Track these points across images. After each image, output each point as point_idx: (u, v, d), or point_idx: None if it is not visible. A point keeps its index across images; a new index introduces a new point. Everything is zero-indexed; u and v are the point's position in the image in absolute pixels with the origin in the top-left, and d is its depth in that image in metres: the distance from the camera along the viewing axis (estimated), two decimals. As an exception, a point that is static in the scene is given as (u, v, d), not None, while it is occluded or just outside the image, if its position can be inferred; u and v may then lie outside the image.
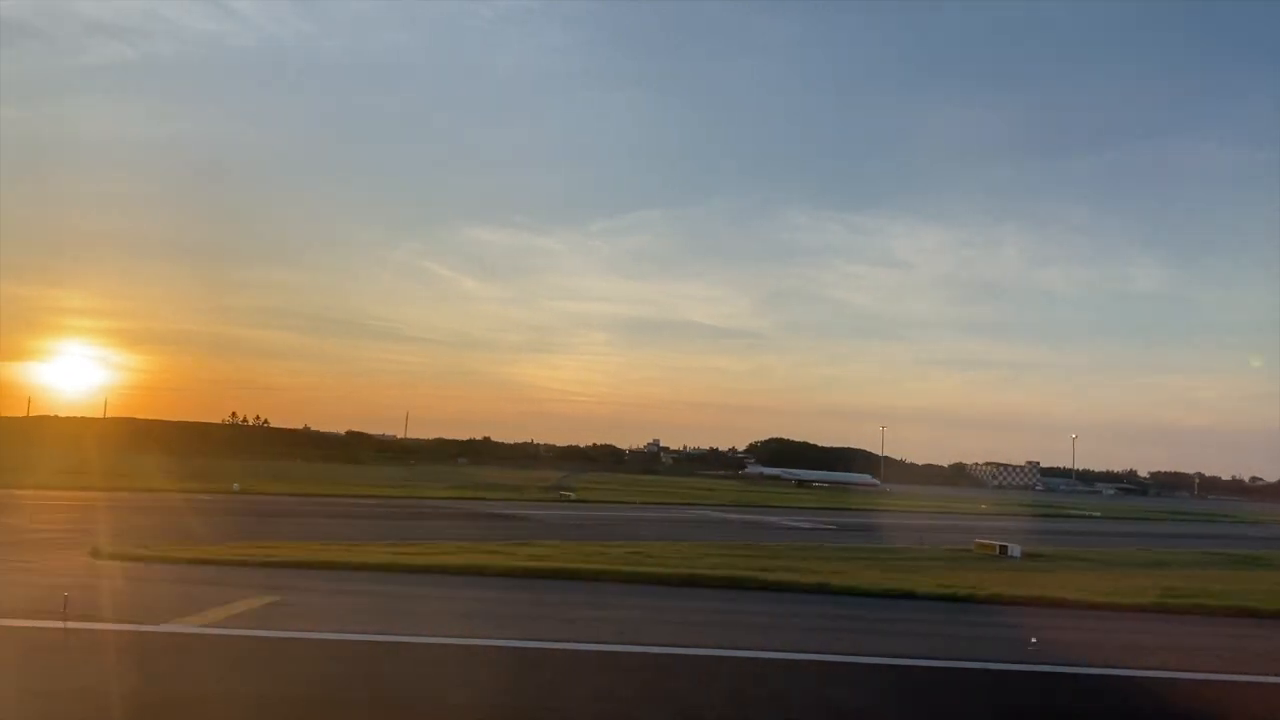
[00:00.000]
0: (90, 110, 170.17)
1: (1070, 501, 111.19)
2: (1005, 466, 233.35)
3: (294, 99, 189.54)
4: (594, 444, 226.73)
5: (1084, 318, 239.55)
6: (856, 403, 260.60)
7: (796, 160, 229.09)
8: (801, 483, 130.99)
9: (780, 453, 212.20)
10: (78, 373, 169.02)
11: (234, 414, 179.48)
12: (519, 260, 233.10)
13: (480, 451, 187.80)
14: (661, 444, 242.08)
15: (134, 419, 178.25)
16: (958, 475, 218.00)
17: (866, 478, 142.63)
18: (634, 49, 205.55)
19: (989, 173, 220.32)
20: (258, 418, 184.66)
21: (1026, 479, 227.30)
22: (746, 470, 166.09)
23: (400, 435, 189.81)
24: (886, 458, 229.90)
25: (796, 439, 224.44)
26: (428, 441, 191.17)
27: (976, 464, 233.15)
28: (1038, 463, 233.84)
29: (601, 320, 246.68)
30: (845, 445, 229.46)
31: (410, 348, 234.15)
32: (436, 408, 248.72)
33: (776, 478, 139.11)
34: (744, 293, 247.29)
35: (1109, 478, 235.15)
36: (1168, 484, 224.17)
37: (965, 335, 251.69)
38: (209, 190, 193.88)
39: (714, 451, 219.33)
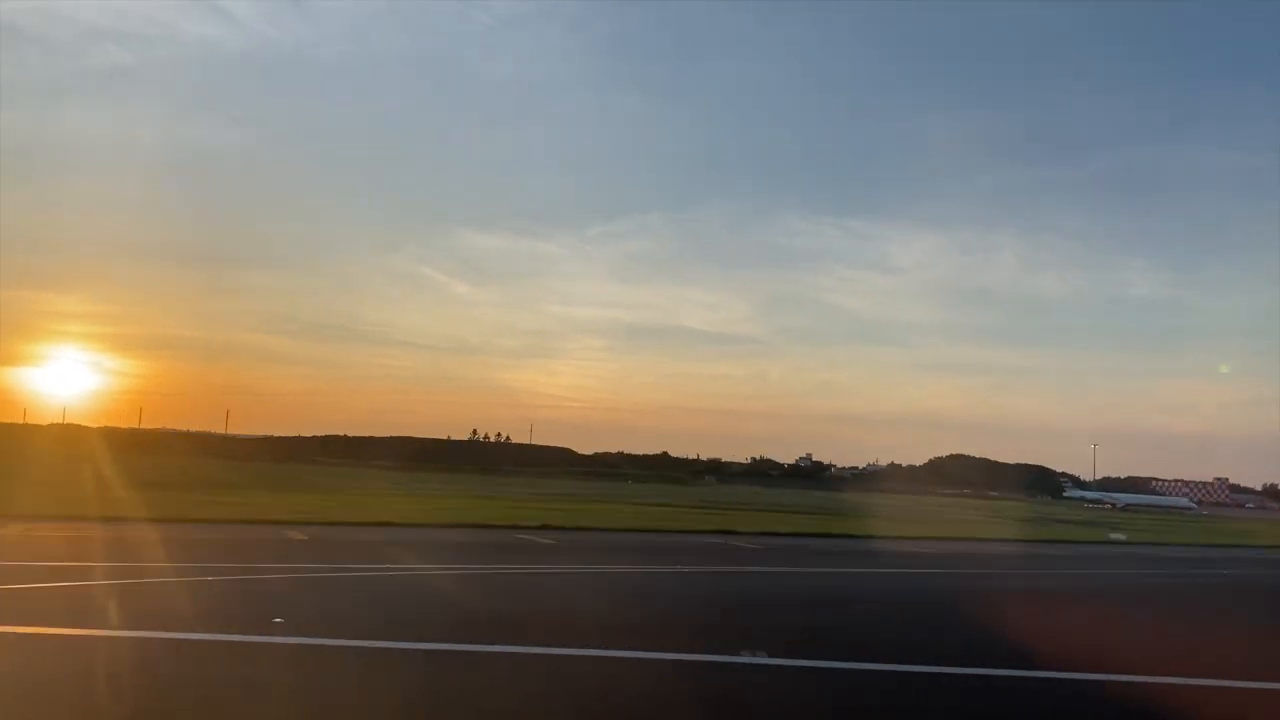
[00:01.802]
0: (87, 114, 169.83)
1: None
2: (1194, 483, 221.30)
3: (291, 103, 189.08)
4: (756, 457, 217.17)
5: (1081, 323, 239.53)
6: (854, 408, 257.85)
7: (793, 165, 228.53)
8: (1127, 508, 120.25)
9: (969, 468, 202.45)
10: (73, 378, 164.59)
11: (475, 430, 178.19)
12: (515, 265, 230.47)
13: (648, 465, 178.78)
14: (813, 457, 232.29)
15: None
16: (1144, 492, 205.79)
17: (1184, 501, 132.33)
18: (632, 54, 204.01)
19: (985, 179, 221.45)
20: (499, 434, 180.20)
21: (1216, 496, 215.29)
22: (1066, 494, 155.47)
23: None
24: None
25: (975, 454, 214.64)
26: (618, 456, 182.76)
27: (1163, 480, 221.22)
28: (1226, 479, 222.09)
29: (599, 325, 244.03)
30: (1025, 461, 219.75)
31: (405, 352, 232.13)
32: (423, 412, 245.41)
33: (1098, 502, 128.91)
34: (742, 298, 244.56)
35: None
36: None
37: (962, 340, 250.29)
38: (206, 195, 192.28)
39: (895, 466, 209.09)
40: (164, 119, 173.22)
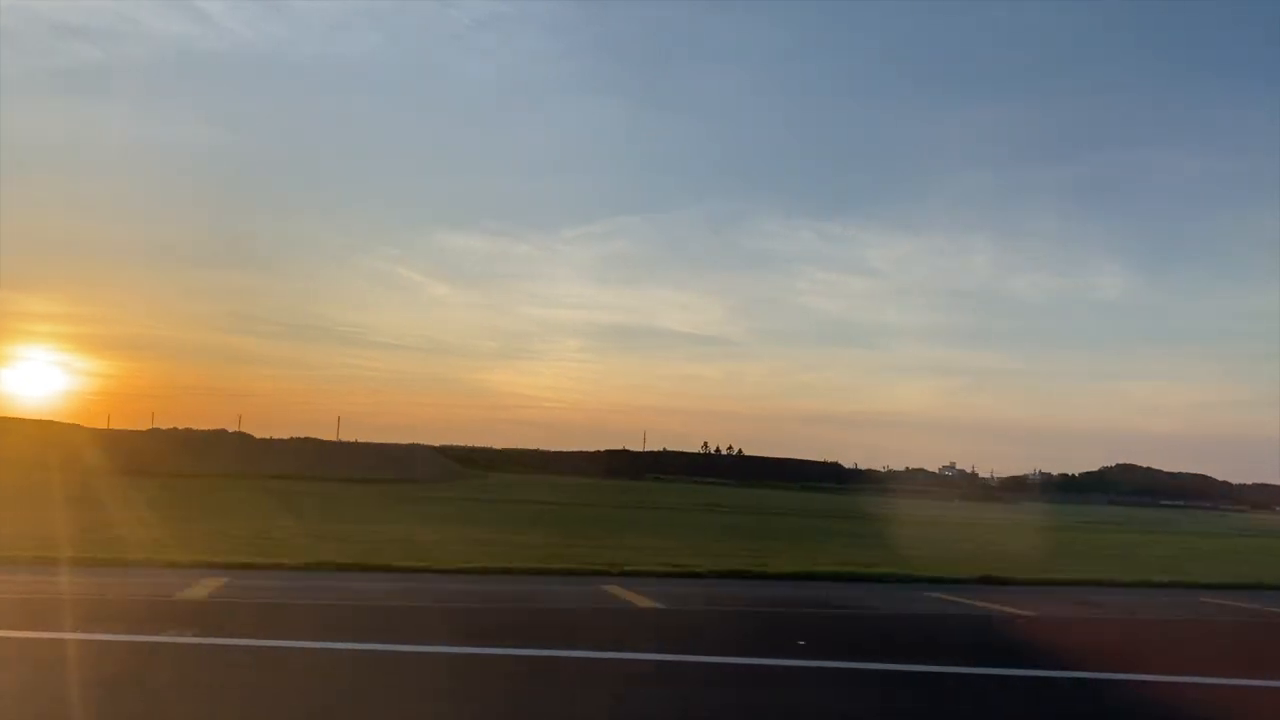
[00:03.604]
0: (58, 113, 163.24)
1: None
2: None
3: (265, 102, 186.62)
4: (906, 468, 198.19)
5: (1054, 325, 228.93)
6: (833, 410, 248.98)
7: (769, 167, 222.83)
8: None
9: (1143, 481, 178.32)
10: (43, 378, 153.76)
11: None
12: (492, 266, 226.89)
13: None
14: (957, 466, 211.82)
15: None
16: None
17: None
18: (610, 55, 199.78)
19: (960, 182, 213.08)
20: (731, 447, 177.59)
21: None
22: None
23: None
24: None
25: (1143, 464, 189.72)
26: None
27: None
28: None
29: (576, 327, 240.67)
30: (1188, 471, 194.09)
31: (381, 354, 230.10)
32: (409, 414, 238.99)
33: None
34: (718, 300, 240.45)
35: None
36: None
37: (938, 343, 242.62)
38: (179, 194, 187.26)
39: (1049, 476, 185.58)
40: (137, 118, 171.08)
